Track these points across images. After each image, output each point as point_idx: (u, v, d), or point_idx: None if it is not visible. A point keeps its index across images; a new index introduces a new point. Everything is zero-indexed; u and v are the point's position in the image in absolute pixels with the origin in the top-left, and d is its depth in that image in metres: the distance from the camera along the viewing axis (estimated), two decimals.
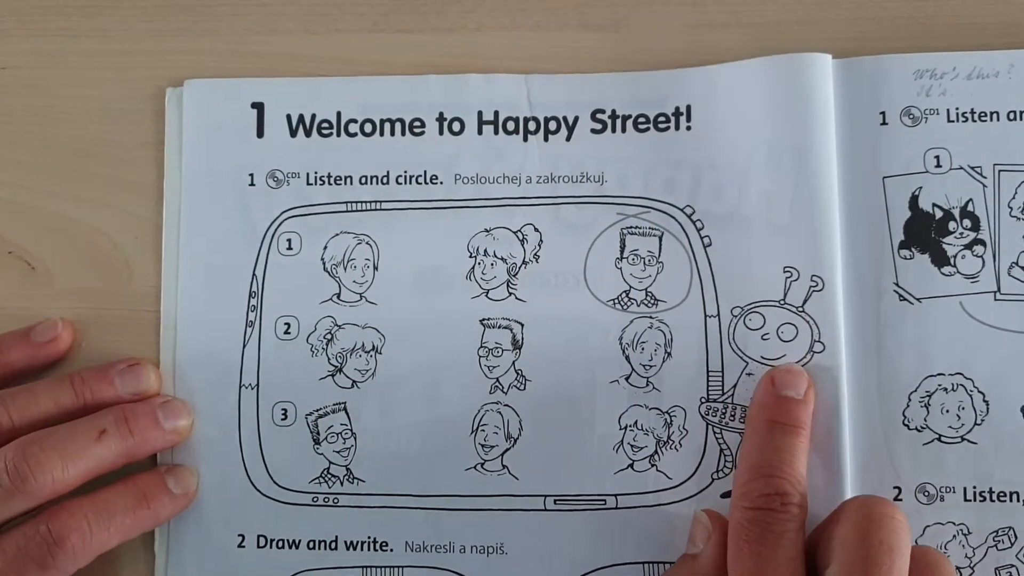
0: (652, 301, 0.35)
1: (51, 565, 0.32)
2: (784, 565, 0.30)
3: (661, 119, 0.35)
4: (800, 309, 0.34)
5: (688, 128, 0.35)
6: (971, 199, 0.34)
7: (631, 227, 0.35)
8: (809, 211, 0.34)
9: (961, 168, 0.34)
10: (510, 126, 0.36)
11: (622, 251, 0.35)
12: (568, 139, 0.36)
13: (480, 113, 0.36)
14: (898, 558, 0.29)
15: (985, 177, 0.34)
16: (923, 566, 0.29)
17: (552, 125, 0.36)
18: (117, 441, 0.34)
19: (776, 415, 0.33)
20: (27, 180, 0.38)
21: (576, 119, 0.36)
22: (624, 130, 0.35)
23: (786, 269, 0.34)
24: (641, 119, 0.35)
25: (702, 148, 0.35)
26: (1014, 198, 0.34)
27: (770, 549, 0.30)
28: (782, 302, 0.34)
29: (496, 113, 0.36)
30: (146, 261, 0.37)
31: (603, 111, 0.35)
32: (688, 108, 0.35)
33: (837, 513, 0.31)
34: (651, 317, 0.35)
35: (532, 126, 0.36)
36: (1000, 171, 0.34)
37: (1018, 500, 0.33)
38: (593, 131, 0.35)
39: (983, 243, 0.34)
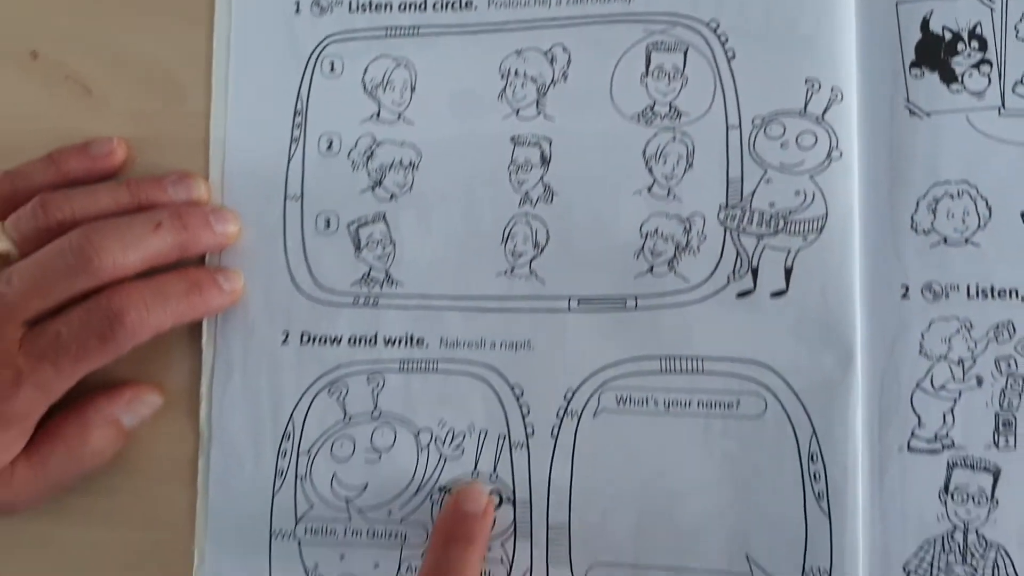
0: (675, 114, 0.37)
1: (111, 338, 0.35)
2: None
3: None
4: (820, 119, 0.36)
5: None
6: (979, 22, 0.37)
7: (656, 43, 0.37)
8: (830, 24, 0.36)
9: None
10: None
11: (647, 67, 0.37)
12: None
13: None
14: None
15: (993, 1, 0.37)
16: None
17: None
18: (172, 234, 0.36)
19: (453, 529, 0.36)
20: (86, 8, 0.40)
21: None
22: None
23: (808, 80, 0.36)
24: None
25: None
26: (1020, 21, 0.37)
27: None
28: (803, 112, 0.36)
29: None
30: (197, 84, 0.40)
31: None
32: None
33: None
34: (674, 130, 0.37)
35: None
36: None
37: (1017, 297, 0.36)
38: None
39: (989, 63, 0.37)
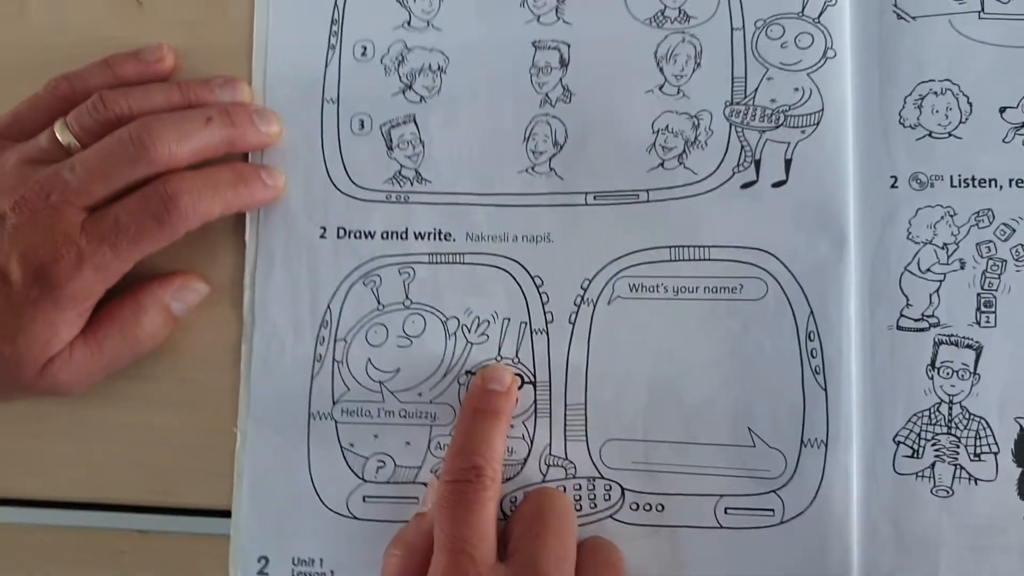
0: (684, 18, 0.40)
1: (166, 220, 0.37)
2: (476, 526, 0.36)
3: None
4: (816, 20, 0.39)
5: None
6: None
7: None
8: None
9: None
10: None
11: None
12: None
13: None
14: (563, 518, 0.37)
15: None
16: (593, 549, 0.38)
17: None
18: (221, 129, 0.39)
19: (480, 404, 0.38)
20: None
21: None
22: None
23: None
24: None
25: None
26: None
27: (464, 513, 0.36)
28: (800, 14, 0.39)
29: None
30: None
31: None
32: None
33: (526, 497, 0.38)
34: (683, 32, 0.40)
35: None
36: None
37: (996, 186, 0.39)
38: None
39: None
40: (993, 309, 0.39)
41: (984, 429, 0.38)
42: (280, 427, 0.41)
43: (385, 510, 0.40)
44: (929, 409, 0.39)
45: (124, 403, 0.42)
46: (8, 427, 0.42)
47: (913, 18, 0.39)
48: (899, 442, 0.39)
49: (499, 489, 0.37)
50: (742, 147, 0.40)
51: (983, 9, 0.39)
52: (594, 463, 0.39)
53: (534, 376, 0.40)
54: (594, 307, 0.40)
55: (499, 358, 0.40)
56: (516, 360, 0.40)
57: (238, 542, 0.40)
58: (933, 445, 0.38)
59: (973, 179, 0.39)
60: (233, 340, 0.42)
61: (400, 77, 0.41)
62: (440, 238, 0.41)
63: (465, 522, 0.36)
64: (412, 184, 0.41)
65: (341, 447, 0.40)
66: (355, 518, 0.40)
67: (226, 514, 0.41)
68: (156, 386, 0.42)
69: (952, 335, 0.39)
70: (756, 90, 0.40)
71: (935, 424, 0.38)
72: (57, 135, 0.39)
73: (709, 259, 0.39)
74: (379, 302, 0.41)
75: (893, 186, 0.39)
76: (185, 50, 0.42)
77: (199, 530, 0.41)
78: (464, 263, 0.41)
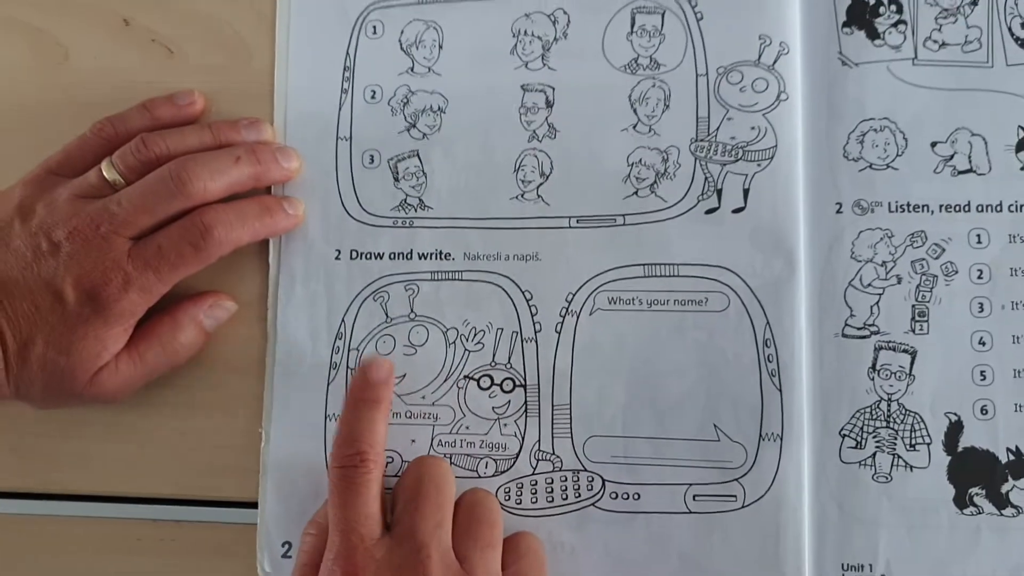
0: (655, 65, 0.45)
1: (202, 248, 0.42)
2: (361, 507, 0.39)
3: None
4: (771, 67, 0.44)
5: None
6: None
7: (639, 7, 0.45)
8: None
9: None
10: None
11: (632, 27, 0.45)
12: None
13: None
14: (441, 486, 0.40)
15: None
16: (471, 504, 0.40)
17: None
18: (248, 166, 0.44)
19: (362, 394, 0.41)
20: None
21: None
22: None
23: (761, 36, 0.44)
24: None
25: None
26: None
27: (352, 496, 0.39)
28: (757, 62, 0.44)
29: None
30: (263, 45, 0.47)
31: None
32: None
33: (407, 468, 0.41)
34: (654, 78, 0.45)
35: None
36: None
37: (928, 211, 0.43)
38: None
39: (905, 23, 0.44)
40: (926, 318, 0.43)
41: (918, 423, 0.42)
42: (300, 428, 0.45)
43: None
44: (871, 406, 0.42)
45: (162, 408, 0.46)
46: (60, 430, 0.46)
47: (856, 64, 0.44)
48: (844, 435, 0.42)
49: (382, 469, 0.40)
50: (706, 178, 0.44)
51: (916, 56, 0.44)
52: (578, 457, 0.44)
53: (524, 379, 0.44)
54: (577, 318, 0.44)
55: (494, 363, 0.45)
56: (509, 365, 0.45)
57: (264, 529, 0.44)
58: (874, 437, 0.42)
59: (908, 205, 0.44)
60: (258, 351, 0.46)
61: (405, 117, 0.46)
62: (441, 258, 0.45)
63: (352, 505, 0.39)
64: (416, 211, 0.46)
65: None
66: None
67: (253, 505, 0.45)
68: (190, 393, 0.46)
69: (890, 341, 0.43)
70: (718, 128, 0.44)
71: (876, 419, 0.42)
72: (104, 173, 0.43)
73: (678, 275, 0.44)
74: (387, 315, 0.45)
75: (838, 211, 0.44)
76: (213, 94, 0.47)
77: (230, 520, 0.45)
78: (462, 280, 0.45)
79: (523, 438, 0.44)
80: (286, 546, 0.44)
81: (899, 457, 0.42)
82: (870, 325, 0.43)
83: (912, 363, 0.42)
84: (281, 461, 0.45)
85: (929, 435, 0.42)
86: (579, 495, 0.43)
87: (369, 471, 0.40)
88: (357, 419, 0.41)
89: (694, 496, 0.43)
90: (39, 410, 0.45)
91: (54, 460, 0.47)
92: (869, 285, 0.43)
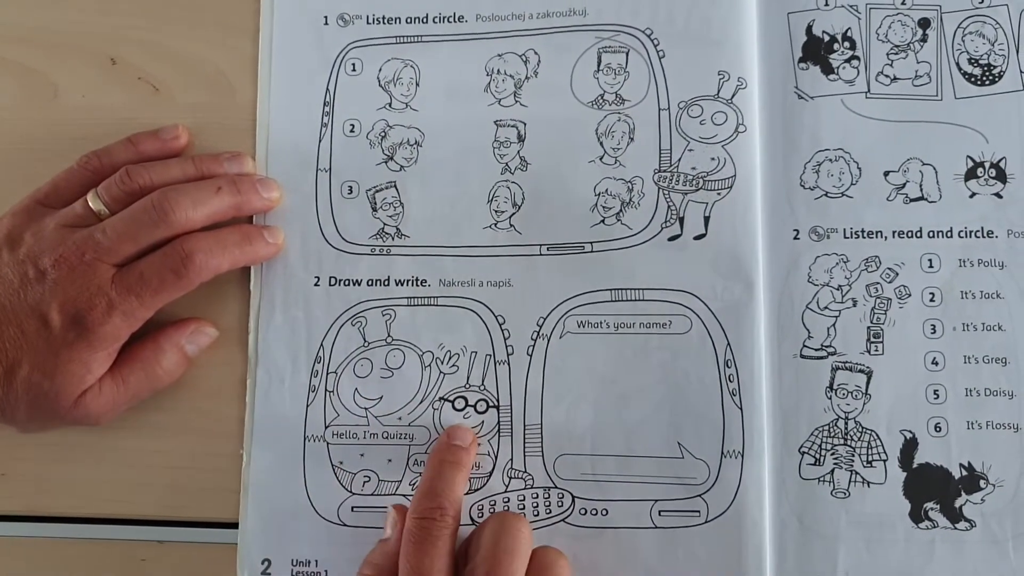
0: (620, 101, 0.47)
1: (183, 275, 0.43)
2: (436, 558, 0.40)
3: None
4: (729, 101, 0.46)
5: None
6: (850, 27, 0.47)
7: (606, 47, 0.47)
8: (737, 30, 0.46)
9: (842, 6, 0.47)
10: None
11: (599, 65, 0.47)
12: None
13: None
14: (516, 559, 0.40)
15: (860, 12, 0.47)
16: (542, 567, 0.41)
17: None
18: (229, 196, 0.45)
19: (446, 456, 0.43)
20: (154, 22, 0.50)
21: None
22: None
23: (720, 72, 0.46)
24: None
25: None
26: (879, 27, 0.47)
27: (428, 546, 0.40)
28: (716, 96, 0.46)
29: None
30: (245, 82, 0.49)
31: None
32: None
33: (482, 524, 0.42)
34: (619, 112, 0.47)
35: None
36: (871, 8, 0.47)
37: (881, 237, 0.45)
38: None
39: (858, 58, 0.47)
40: (881, 339, 0.44)
41: (875, 440, 0.44)
42: (280, 449, 0.46)
43: (371, 518, 0.45)
44: (828, 424, 0.44)
45: (145, 431, 0.47)
46: (44, 453, 0.48)
47: (811, 98, 0.47)
48: (803, 452, 0.43)
49: (457, 526, 0.42)
50: (668, 207, 0.46)
51: (869, 90, 0.47)
52: (549, 474, 0.45)
53: (497, 400, 0.46)
54: (548, 341, 0.46)
55: (468, 386, 0.46)
56: (482, 387, 0.46)
57: (244, 546, 0.46)
58: (832, 454, 0.44)
59: (862, 231, 0.45)
60: (239, 375, 0.47)
61: (383, 150, 0.48)
62: (417, 284, 0.47)
63: (427, 554, 0.40)
64: (393, 239, 0.47)
65: (332, 465, 0.45)
66: (345, 525, 0.45)
67: (234, 525, 0.46)
68: (172, 416, 0.47)
69: (846, 362, 0.44)
70: (680, 160, 0.46)
71: (834, 437, 0.44)
72: (90, 203, 0.44)
73: (643, 299, 0.45)
74: (365, 339, 0.47)
75: (795, 237, 0.45)
76: (197, 129, 0.49)
77: (210, 539, 0.46)
78: (438, 305, 0.47)
79: (496, 457, 0.45)
80: (266, 563, 0.46)
81: (856, 473, 0.44)
82: (827, 346, 0.44)
83: (868, 383, 0.44)
84: (262, 481, 0.46)
85: (885, 452, 0.44)
86: (550, 511, 0.45)
87: (447, 525, 0.41)
88: (440, 477, 0.42)
89: (660, 511, 0.44)
90: (23, 433, 0.46)
91: (39, 482, 0.48)
92: (826, 308, 0.45)
